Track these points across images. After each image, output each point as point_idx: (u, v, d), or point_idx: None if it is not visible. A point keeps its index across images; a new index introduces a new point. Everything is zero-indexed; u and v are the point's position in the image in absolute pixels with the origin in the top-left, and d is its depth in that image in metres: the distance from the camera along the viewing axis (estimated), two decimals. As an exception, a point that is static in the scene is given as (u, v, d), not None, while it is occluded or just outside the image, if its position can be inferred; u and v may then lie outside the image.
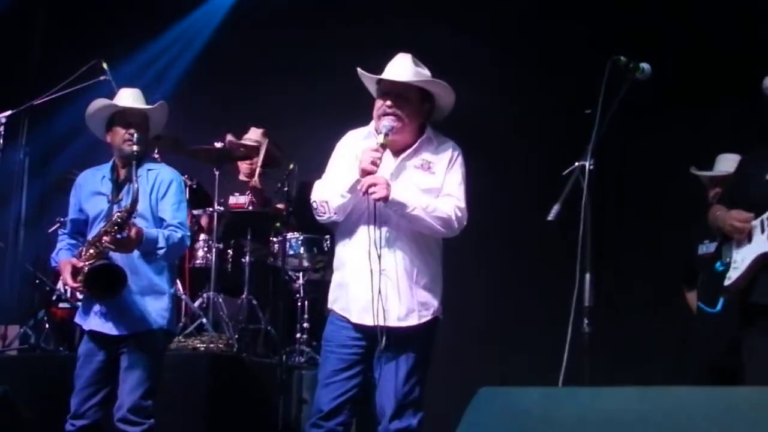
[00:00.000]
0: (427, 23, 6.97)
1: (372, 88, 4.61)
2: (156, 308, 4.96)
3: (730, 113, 5.17)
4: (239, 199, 7.18)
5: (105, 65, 6.31)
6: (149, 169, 5.07)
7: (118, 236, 4.71)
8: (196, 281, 6.92)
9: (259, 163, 7.36)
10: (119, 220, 4.71)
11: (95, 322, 4.92)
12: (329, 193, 4.46)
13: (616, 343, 4.42)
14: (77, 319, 5.08)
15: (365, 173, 4.28)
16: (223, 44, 8.41)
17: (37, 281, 6.51)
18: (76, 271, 4.81)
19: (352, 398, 4.45)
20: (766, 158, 4.48)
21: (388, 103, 4.44)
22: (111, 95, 5.39)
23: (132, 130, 4.98)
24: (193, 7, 8.49)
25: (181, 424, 5.66)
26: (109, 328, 4.90)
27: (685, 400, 2.82)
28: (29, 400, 5.02)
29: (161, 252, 4.86)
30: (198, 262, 6.96)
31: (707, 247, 5.61)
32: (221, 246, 6.88)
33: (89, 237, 4.94)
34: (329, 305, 4.57)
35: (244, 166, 7.41)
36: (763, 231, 4.28)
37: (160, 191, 5.01)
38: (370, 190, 4.25)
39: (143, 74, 8.03)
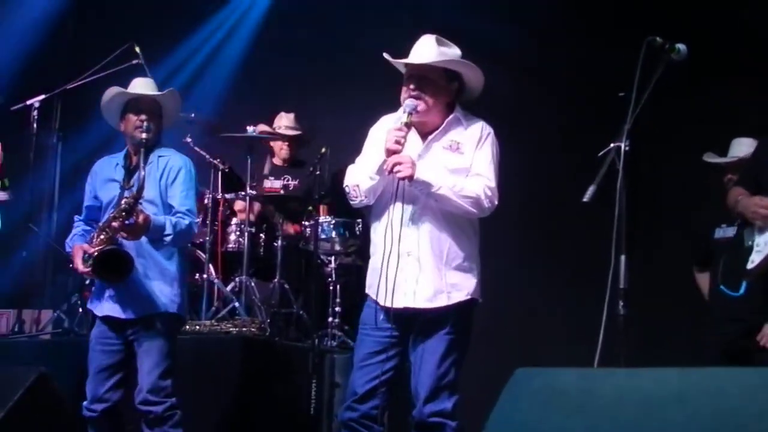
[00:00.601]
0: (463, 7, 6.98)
1: (401, 68, 4.60)
2: (165, 292, 5.01)
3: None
4: (273, 183, 7.23)
5: (138, 49, 6.34)
6: (160, 156, 5.12)
7: (127, 222, 4.76)
8: (229, 265, 6.96)
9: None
10: (126, 207, 4.77)
11: (107, 306, 5.01)
12: (360, 176, 4.49)
13: (651, 325, 4.42)
14: (89, 305, 5.18)
15: (390, 153, 4.29)
16: (259, 32, 8.38)
17: (71, 266, 6.56)
18: (87, 257, 4.87)
19: (387, 381, 4.44)
20: None
21: (412, 86, 4.44)
22: (145, 76, 5.48)
23: (143, 116, 5.04)
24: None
25: (214, 407, 5.74)
26: (119, 312, 4.98)
27: (721, 380, 2.82)
28: (62, 384, 5.07)
29: (168, 238, 4.92)
30: (230, 246, 7.00)
31: (724, 231, 5.59)
32: (253, 230, 6.90)
33: (100, 223, 4.99)
34: (366, 289, 4.58)
35: (279, 150, 7.43)
36: None
37: (170, 177, 5.06)
38: (395, 169, 4.26)
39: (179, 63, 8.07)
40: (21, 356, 6.07)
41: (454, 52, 4.56)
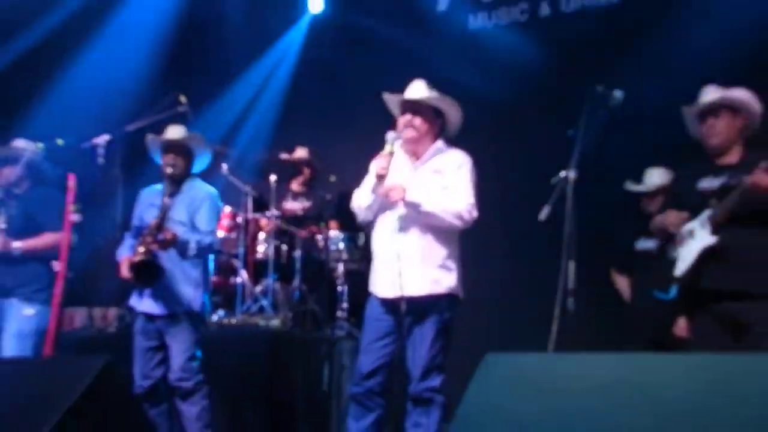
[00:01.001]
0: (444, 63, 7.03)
1: (395, 110, 4.67)
2: (189, 295, 5.07)
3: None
4: (293, 205, 7.23)
5: (183, 98, 6.36)
6: (190, 186, 5.18)
7: (159, 237, 4.80)
8: (258, 271, 6.97)
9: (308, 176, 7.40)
10: (154, 226, 4.87)
11: (144, 304, 5.06)
12: (361, 198, 4.56)
13: (593, 317, 4.44)
14: (131, 302, 5.22)
15: (379, 177, 4.38)
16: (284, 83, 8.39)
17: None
18: (131, 264, 4.93)
19: (386, 362, 4.49)
20: (696, 170, 4.46)
21: (407, 117, 4.53)
22: (187, 124, 5.51)
23: (170, 156, 5.14)
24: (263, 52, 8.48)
25: (246, 386, 5.77)
26: (153, 308, 5.06)
27: (651, 363, 2.83)
28: (125, 368, 5.11)
29: (192, 252, 4.99)
30: (259, 255, 7.00)
31: (644, 243, 5.59)
32: (277, 242, 6.91)
33: (140, 238, 5.04)
34: (369, 288, 4.63)
35: (295, 179, 7.43)
36: (704, 228, 4.26)
37: (197, 204, 5.13)
38: (390, 195, 4.34)
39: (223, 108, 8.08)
40: (91, 347, 6.11)
41: (437, 95, 4.62)
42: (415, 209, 4.38)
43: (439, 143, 4.63)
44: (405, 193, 4.35)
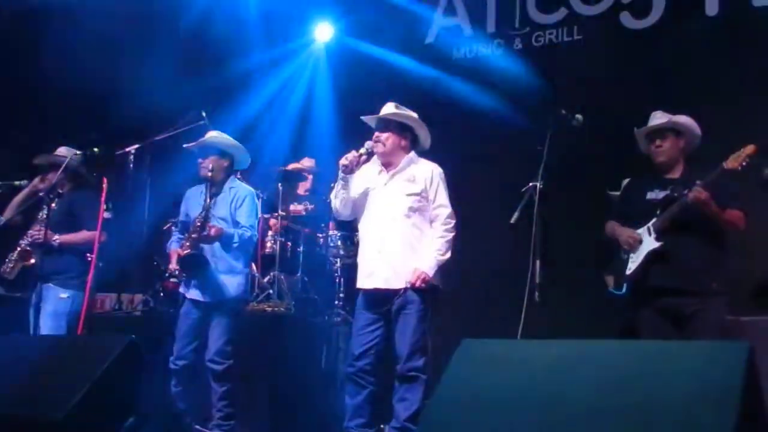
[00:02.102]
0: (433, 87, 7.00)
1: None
2: (233, 283, 5.02)
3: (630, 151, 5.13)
4: (297, 207, 7.18)
5: (204, 114, 6.33)
6: (231, 187, 5.14)
7: (203, 233, 4.76)
8: (266, 264, 6.90)
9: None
10: (198, 223, 4.77)
11: (192, 292, 4.98)
12: (333, 192, 4.71)
13: (556, 308, 4.42)
14: (181, 289, 5.15)
15: (343, 167, 4.50)
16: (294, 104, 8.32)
17: (155, 263, 6.54)
18: (179, 255, 4.88)
19: (375, 345, 4.49)
20: (644, 182, 4.55)
21: (376, 133, 4.56)
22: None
23: (206, 160, 5.05)
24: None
25: (255, 363, 5.70)
26: (200, 296, 4.98)
27: (611, 348, 2.82)
28: (149, 347, 5.04)
29: (235, 245, 4.96)
30: (267, 250, 6.93)
31: None
32: (284, 239, 6.87)
33: (186, 234, 4.98)
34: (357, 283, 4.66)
35: (302, 184, 7.39)
36: (650, 234, 4.35)
37: (238, 203, 5.08)
38: (418, 285, 4.38)
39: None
40: (119, 327, 6.03)
41: (408, 113, 4.60)
42: (441, 267, 4.45)
43: (412, 155, 4.64)
44: (426, 274, 4.39)
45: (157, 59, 7.62)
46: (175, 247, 5.05)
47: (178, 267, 4.94)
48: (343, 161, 4.49)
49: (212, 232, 4.82)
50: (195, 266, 4.90)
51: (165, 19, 7.86)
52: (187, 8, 7.87)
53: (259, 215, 6.78)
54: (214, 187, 5.10)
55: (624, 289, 4.47)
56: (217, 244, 4.95)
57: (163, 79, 7.71)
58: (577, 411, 2.55)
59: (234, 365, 5.03)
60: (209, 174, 5.02)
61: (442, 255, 4.46)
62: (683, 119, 4.48)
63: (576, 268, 5.89)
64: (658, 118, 4.52)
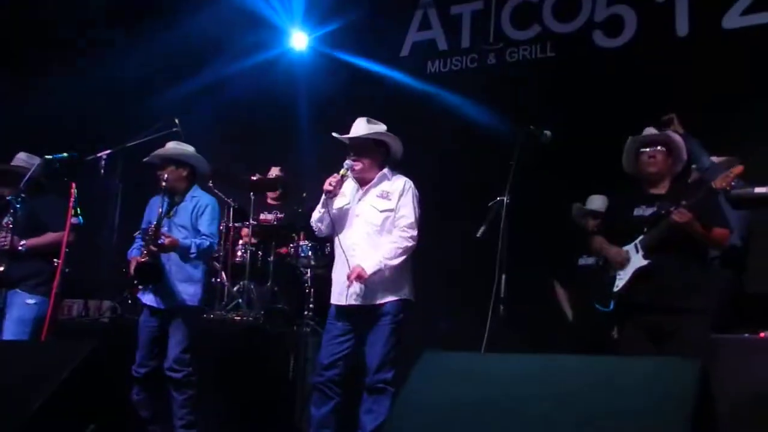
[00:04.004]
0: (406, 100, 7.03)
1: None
2: (189, 291, 5.00)
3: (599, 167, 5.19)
4: (267, 216, 7.16)
5: (176, 120, 6.31)
6: (193, 196, 5.15)
7: (159, 241, 4.74)
8: (236, 273, 6.88)
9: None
10: (150, 233, 4.80)
11: (150, 298, 4.99)
12: (315, 214, 4.63)
13: (521, 322, 4.43)
14: (139, 295, 5.14)
15: (326, 192, 4.45)
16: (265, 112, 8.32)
17: (124, 270, 6.46)
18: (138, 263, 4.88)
19: (344, 356, 4.47)
20: (631, 199, 4.52)
21: (352, 153, 4.54)
22: (180, 140, 5.46)
23: (164, 171, 5.08)
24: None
25: (222, 373, 5.66)
26: (157, 303, 4.96)
27: (570, 363, 2.83)
28: (115, 353, 5.01)
29: (193, 255, 4.94)
30: (237, 259, 6.92)
31: (585, 260, 5.62)
32: (254, 248, 6.85)
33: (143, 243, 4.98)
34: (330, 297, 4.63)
35: (271, 193, 7.37)
36: (637, 252, 4.33)
37: (199, 211, 5.08)
38: (353, 280, 4.36)
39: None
40: (85, 333, 5.95)
41: (380, 127, 4.61)
42: (380, 273, 4.40)
43: (386, 170, 4.63)
44: (363, 271, 4.36)
45: (134, 65, 7.61)
46: (135, 255, 5.03)
47: (134, 275, 4.94)
48: (327, 187, 4.45)
49: (166, 242, 4.83)
50: (150, 275, 4.89)
51: (143, 24, 7.85)
52: (163, 12, 7.87)
53: (229, 224, 6.82)
54: (177, 196, 5.11)
55: (611, 306, 4.49)
56: (174, 254, 4.95)
57: (139, 85, 7.71)
58: (535, 425, 2.57)
59: (198, 374, 4.99)
60: (163, 184, 5.05)
61: (389, 260, 4.41)
62: (677, 137, 4.50)
63: (541, 282, 5.95)
64: (653, 130, 4.53)
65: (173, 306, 4.97)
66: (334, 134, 4.64)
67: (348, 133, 4.61)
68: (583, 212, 5.80)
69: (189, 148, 5.28)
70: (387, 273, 4.43)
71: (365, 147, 4.57)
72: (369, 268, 4.37)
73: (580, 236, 5.65)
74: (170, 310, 4.97)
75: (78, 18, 7.83)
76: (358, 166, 4.54)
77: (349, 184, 4.63)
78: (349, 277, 4.37)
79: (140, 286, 5.04)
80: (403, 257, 4.47)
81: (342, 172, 4.46)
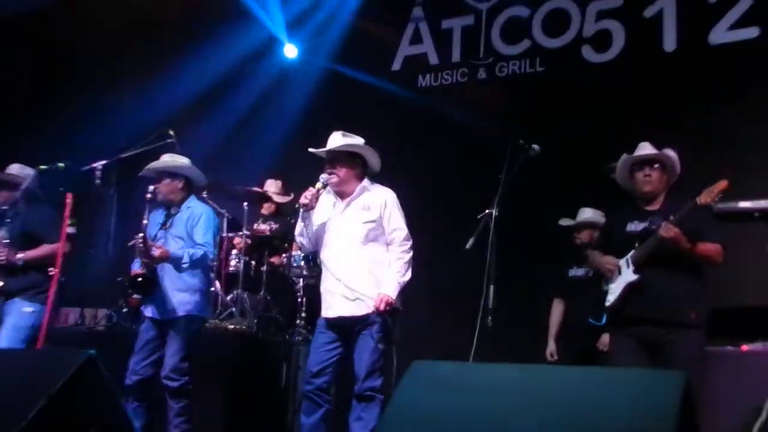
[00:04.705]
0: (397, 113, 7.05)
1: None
2: (189, 301, 5.02)
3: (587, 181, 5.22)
4: (261, 227, 7.19)
5: (171, 132, 6.33)
6: (189, 206, 5.16)
7: (151, 253, 4.78)
8: (230, 282, 6.91)
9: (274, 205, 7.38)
10: (141, 247, 4.83)
11: (150, 309, 4.99)
12: (297, 228, 4.71)
13: (508, 332, 4.47)
14: (142, 308, 5.14)
15: (302, 205, 4.50)
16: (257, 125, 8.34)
17: (119, 279, 6.50)
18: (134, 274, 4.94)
19: (332, 364, 4.50)
20: (626, 214, 4.53)
21: (327, 166, 4.57)
22: (176, 152, 5.48)
23: (159, 184, 5.10)
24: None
25: (215, 379, 5.69)
26: (156, 314, 4.98)
27: (556, 374, 2.90)
28: (112, 361, 5.01)
29: (185, 265, 4.94)
30: (231, 269, 6.95)
31: (575, 272, 5.66)
32: (247, 258, 6.88)
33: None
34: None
35: (267, 206, 7.41)
36: (629, 266, 4.34)
37: (194, 221, 5.10)
38: (381, 308, 4.38)
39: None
40: (81, 341, 5.95)
41: (356, 140, 4.64)
42: (402, 290, 4.46)
43: (365, 182, 4.66)
44: (389, 297, 4.41)
45: (127, 75, 7.63)
46: (136, 268, 5.06)
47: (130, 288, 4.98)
48: (302, 200, 4.49)
49: (156, 253, 4.85)
50: (144, 287, 4.93)
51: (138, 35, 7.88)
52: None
53: (224, 233, 6.84)
54: (173, 207, 5.14)
55: (603, 320, 4.52)
56: (168, 265, 4.98)
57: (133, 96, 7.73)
58: (518, 428, 2.60)
59: (192, 382, 5.01)
60: (149, 197, 5.04)
61: (402, 276, 4.49)
62: (672, 154, 4.47)
63: (529, 293, 5.99)
64: (647, 149, 4.47)
65: (172, 316, 4.99)
66: (310, 149, 4.67)
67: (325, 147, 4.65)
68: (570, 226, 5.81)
69: (184, 160, 5.30)
70: (373, 282, 4.48)
71: (340, 159, 4.59)
72: (391, 293, 4.43)
73: (570, 249, 5.71)
74: (169, 319, 4.99)
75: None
76: (334, 179, 4.57)
77: (329, 199, 4.66)
78: (378, 308, 4.40)
79: (136, 296, 5.07)
80: (410, 268, 4.55)
81: (318, 186, 4.50)
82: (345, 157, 4.60)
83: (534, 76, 7.01)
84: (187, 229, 5.10)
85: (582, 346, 5.44)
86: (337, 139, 4.62)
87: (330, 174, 4.55)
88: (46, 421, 3.10)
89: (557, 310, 5.78)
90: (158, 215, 5.19)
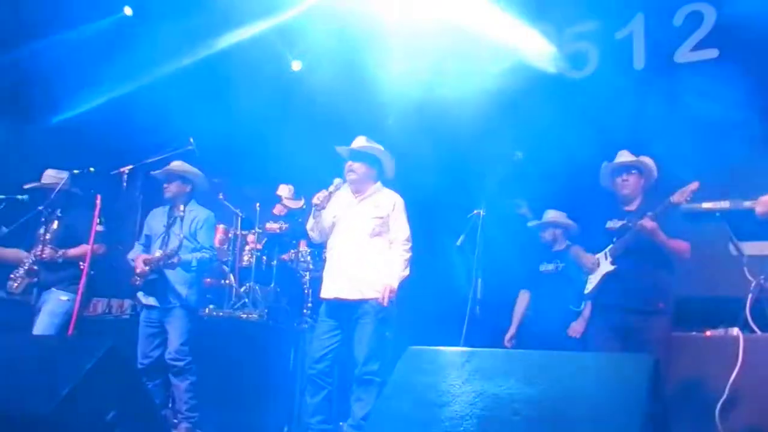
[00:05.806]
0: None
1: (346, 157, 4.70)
2: (185, 292, 5.05)
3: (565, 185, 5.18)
4: (272, 225, 7.17)
5: (192, 140, 6.30)
6: (191, 209, 5.20)
7: (169, 260, 4.89)
8: (243, 276, 6.89)
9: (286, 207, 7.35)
10: (171, 253, 4.95)
11: (149, 299, 5.03)
12: (308, 223, 4.76)
13: (494, 320, 4.46)
14: (139, 296, 5.19)
15: (315, 205, 4.53)
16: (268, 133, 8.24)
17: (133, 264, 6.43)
18: (145, 261, 4.99)
19: (334, 350, 4.48)
20: (606, 213, 4.56)
21: (349, 162, 4.59)
22: (194, 159, 5.48)
23: (171, 185, 5.18)
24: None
25: (231, 364, 5.66)
26: (156, 302, 5.01)
27: (532, 358, 2.86)
28: (132, 347, 5.03)
29: (194, 268, 5.04)
30: (245, 263, 6.93)
31: (545, 267, 5.63)
32: (259, 253, 6.85)
33: (151, 256, 5.06)
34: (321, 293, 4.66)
35: (278, 205, 7.37)
36: (606, 258, 4.40)
37: (198, 224, 5.15)
38: (387, 298, 4.39)
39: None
40: (107, 330, 5.96)
41: (377, 146, 4.65)
42: (371, 272, 4.47)
43: (378, 184, 4.68)
44: (393, 287, 4.42)
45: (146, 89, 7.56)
46: (141, 253, 5.15)
47: (138, 278, 5.02)
48: (315, 200, 4.54)
49: (175, 260, 4.94)
50: (155, 287, 5.02)
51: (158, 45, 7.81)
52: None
53: (237, 231, 6.83)
54: (176, 209, 5.18)
55: (581, 306, 4.59)
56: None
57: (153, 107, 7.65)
58: (503, 407, 2.62)
59: (202, 364, 5.03)
60: (167, 195, 5.19)
61: (403, 271, 4.50)
62: (648, 160, 4.53)
63: (511, 285, 5.96)
64: (625, 156, 4.53)
65: (170, 305, 5.04)
66: (336, 147, 4.69)
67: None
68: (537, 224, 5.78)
69: (192, 168, 5.36)
70: (373, 272, 4.46)
71: (361, 159, 4.62)
72: (394, 283, 4.44)
73: (541, 246, 5.70)
74: (167, 308, 5.04)
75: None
76: (352, 176, 4.59)
77: (346, 196, 4.66)
78: (384, 296, 4.39)
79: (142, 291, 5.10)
80: (409, 265, 4.55)
81: (330, 188, 4.51)
82: (365, 158, 4.63)
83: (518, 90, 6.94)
84: (191, 231, 5.15)
85: (547, 333, 5.39)
86: (360, 141, 4.68)
87: (349, 170, 4.57)
88: (74, 402, 3.09)
89: (523, 299, 5.75)
90: (159, 212, 5.26)
